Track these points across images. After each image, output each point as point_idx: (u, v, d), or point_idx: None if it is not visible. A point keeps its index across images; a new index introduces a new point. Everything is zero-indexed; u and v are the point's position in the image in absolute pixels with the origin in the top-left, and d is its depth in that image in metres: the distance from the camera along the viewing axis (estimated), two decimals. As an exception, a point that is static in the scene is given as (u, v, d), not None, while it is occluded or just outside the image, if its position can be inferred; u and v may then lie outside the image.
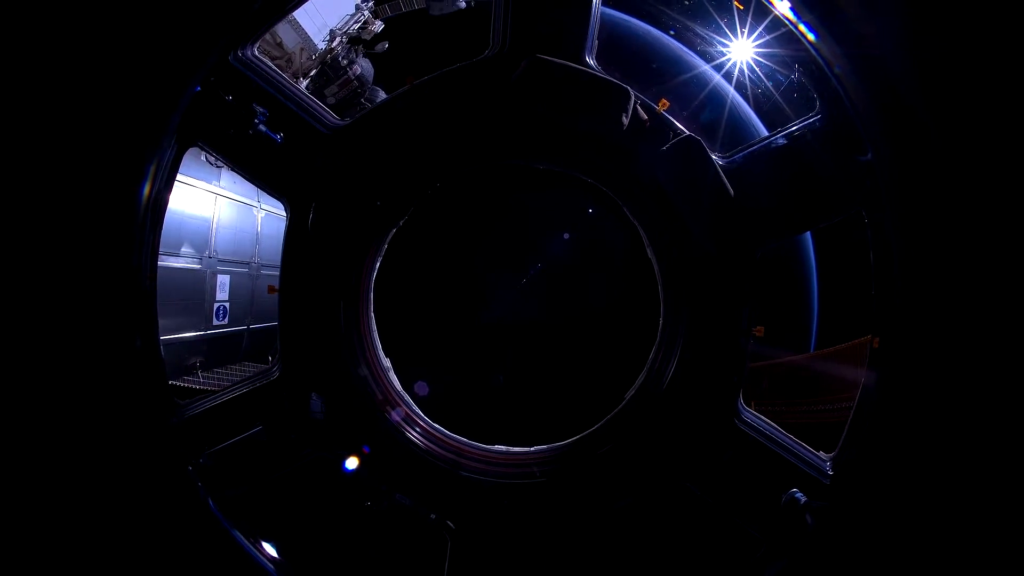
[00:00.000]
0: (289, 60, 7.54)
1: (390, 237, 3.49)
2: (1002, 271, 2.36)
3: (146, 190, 2.74)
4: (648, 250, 3.40)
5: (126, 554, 2.77)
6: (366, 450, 3.32)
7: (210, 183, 7.99)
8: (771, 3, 2.81)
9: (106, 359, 2.75)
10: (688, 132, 3.03)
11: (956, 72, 2.28)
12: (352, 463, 3.29)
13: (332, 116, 3.16)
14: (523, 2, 2.93)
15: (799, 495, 3.08)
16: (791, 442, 3.25)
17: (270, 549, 3.22)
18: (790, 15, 2.75)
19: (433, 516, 3.38)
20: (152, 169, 2.75)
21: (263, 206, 9.26)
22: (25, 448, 2.57)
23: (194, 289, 7.65)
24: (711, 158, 3.03)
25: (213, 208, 8.04)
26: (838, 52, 2.66)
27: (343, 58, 7.74)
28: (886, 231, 2.86)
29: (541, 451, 3.58)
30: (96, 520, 2.72)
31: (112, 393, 2.78)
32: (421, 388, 3.81)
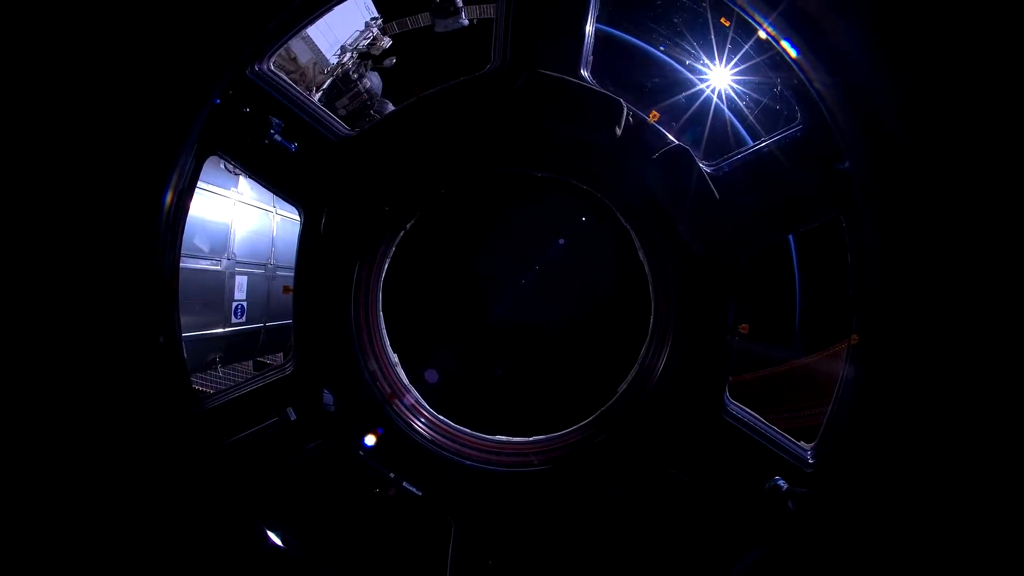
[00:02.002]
0: (303, 74, 7.53)
1: (398, 240, 3.49)
2: (972, 270, 2.37)
3: (169, 196, 2.75)
4: (639, 252, 3.40)
5: (146, 536, 2.78)
6: (375, 438, 3.32)
7: (228, 189, 7.98)
8: (756, 21, 2.82)
9: (130, 355, 2.76)
10: (677, 142, 3.03)
11: (929, 86, 2.29)
12: (370, 441, 3.28)
13: (343, 127, 3.16)
14: (523, 20, 2.93)
15: (781, 482, 3.08)
16: (774, 433, 3.25)
17: (284, 531, 3.22)
18: (773, 32, 2.76)
19: (438, 502, 3.39)
20: (174, 177, 2.75)
21: (278, 211, 9.25)
22: (49, 438, 2.57)
23: (214, 289, 7.64)
24: (699, 166, 3.03)
25: (231, 213, 8.03)
26: (818, 68, 2.67)
27: (353, 72, 7.74)
28: (863, 234, 2.87)
29: (539, 441, 3.58)
30: (119, 503, 2.72)
31: (136, 387, 2.79)
32: (427, 382, 3.81)
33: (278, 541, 3.18)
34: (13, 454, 2.49)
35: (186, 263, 6.79)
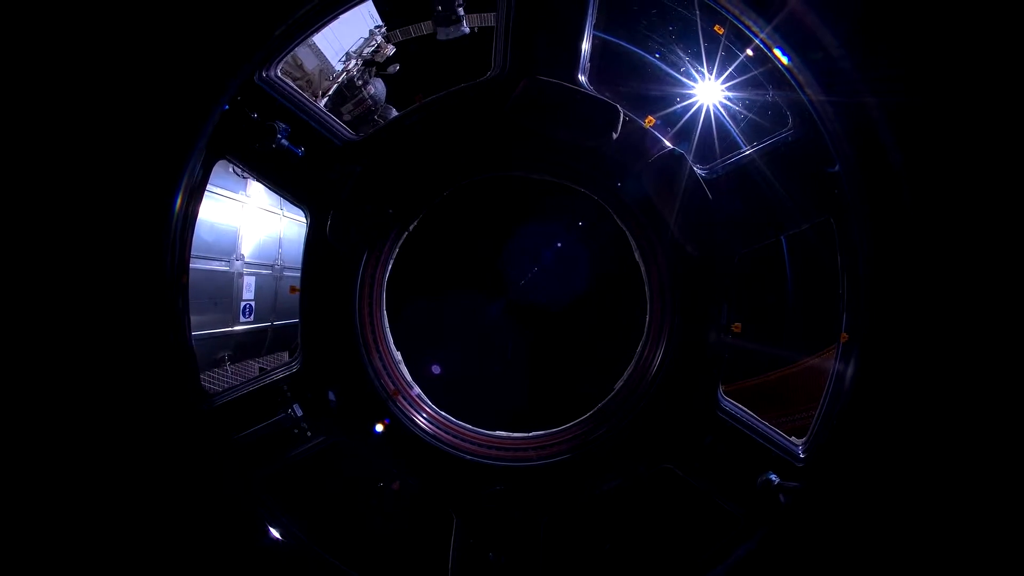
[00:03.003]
0: (309, 81, 7.54)
1: (401, 241, 3.49)
2: (957, 270, 2.37)
3: (179, 199, 2.76)
4: (636, 253, 3.40)
5: (158, 530, 2.78)
6: (378, 434, 3.32)
7: (237, 193, 7.98)
8: (750, 30, 2.82)
9: (142, 352, 2.76)
10: (672, 146, 3.03)
11: (916, 93, 2.29)
12: (374, 437, 3.29)
13: (348, 131, 3.16)
14: (522, 29, 2.93)
15: (773, 477, 3.08)
16: (767, 429, 3.25)
17: (291, 525, 3.23)
18: (765, 40, 2.76)
19: (439, 495, 3.39)
20: (185, 180, 2.76)
21: (285, 214, 9.26)
22: (63, 434, 2.58)
23: (223, 289, 7.65)
24: (693, 170, 3.03)
25: (240, 216, 8.04)
26: (809, 76, 2.68)
27: (358, 79, 7.75)
28: (852, 236, 2.88)
29: (538, 436, 3.58)
30: (131, 499, 2.73)
31: (148, 383, 2.79)
32: (429, 379, 3.81)
33: (283, 535, 3.18)
34: (26, 448, 2.50)
35: (196, 264, 6.80)
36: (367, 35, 7.86)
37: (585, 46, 2.98)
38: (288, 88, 3.02)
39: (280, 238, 9.18)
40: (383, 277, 3.49)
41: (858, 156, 2.66)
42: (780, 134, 3.05)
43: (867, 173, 2.64)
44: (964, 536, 2.48)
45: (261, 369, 8.49)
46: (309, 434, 3.29)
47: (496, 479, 3.33)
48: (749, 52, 2.82)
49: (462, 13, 4.08)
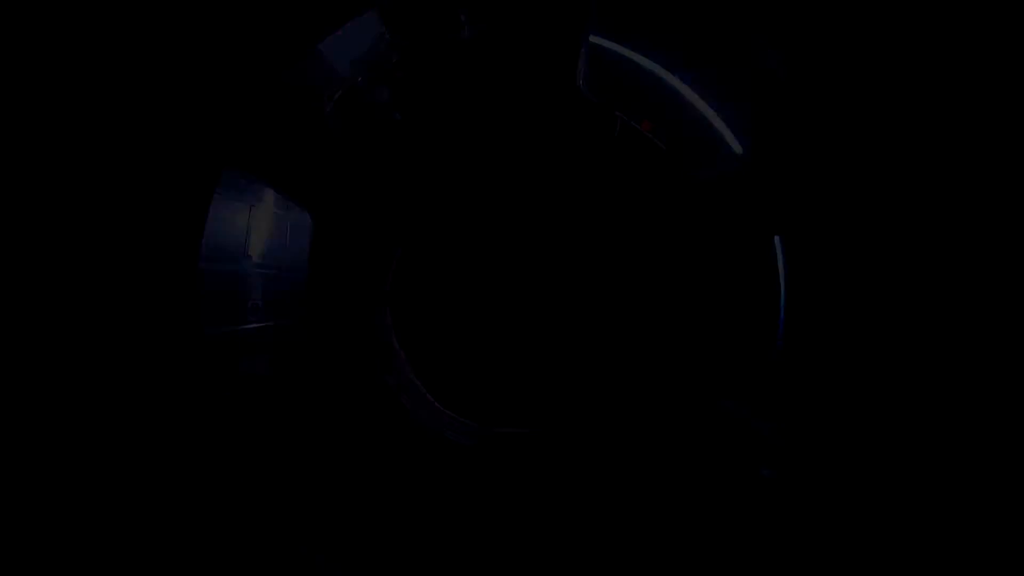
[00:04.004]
0: (314, 86, 7.56)
1: (404, 241, 3.51)
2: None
3: (187, 202, 2.77)
4: (633, 253, 3.41)
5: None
6: (381, 430, 3.34)
7: (244, 195, 8.01)
8: (743, 35, 2.84)
9: (147, 352, 2.77)
10: (667, 149, 3.05)
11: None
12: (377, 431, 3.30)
13: (352, 135, 3.18)
14: (523, 38, 2.95)
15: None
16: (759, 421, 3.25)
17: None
18: (760, 47, 2.78)
19: (440, 490, 3.40)
20: (192, 184, 2.78)
21: (291, 215, 9.29)
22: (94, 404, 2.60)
23: (229, 288, 7.66)
24: (688, 173, 3.04)
25: (247, 218, 8.07)
26: (799, 83, 2.69)
27: (363, 84, 7.78)
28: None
29: (538, 434, 3.59)
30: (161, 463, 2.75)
31: (154, 381, 2.81)
32: (431, 377, 3.82)
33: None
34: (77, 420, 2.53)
35: (204, 265, 6.81)
36: (372, 41, 7.89)
37: (584, 51, 3.00)
38: (294, 93, 3.04)
39: (286, 239, 9.21)
40: (386, 276, 3.50)
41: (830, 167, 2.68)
42: (775, 137, 3.06)
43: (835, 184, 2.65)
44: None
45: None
46: (318, 433, 3.30)
47: (496, 474, 3.34)
48: (748, 49, 2.83)
49: (463, 20, 4.10)
